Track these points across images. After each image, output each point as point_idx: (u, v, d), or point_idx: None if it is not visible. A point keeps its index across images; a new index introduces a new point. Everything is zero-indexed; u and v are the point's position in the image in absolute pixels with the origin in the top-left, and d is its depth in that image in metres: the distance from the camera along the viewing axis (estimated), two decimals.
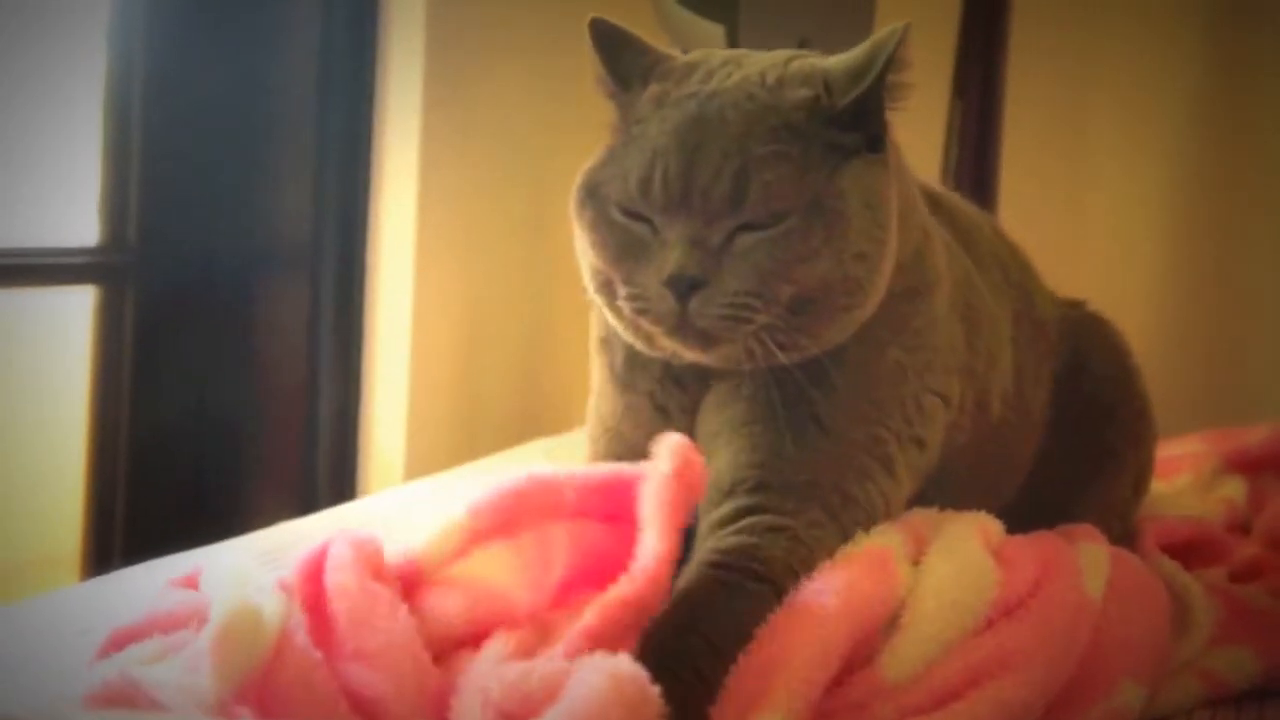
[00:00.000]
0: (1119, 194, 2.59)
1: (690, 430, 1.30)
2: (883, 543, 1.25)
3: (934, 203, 1.46)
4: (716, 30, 1.95)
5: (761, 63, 1.27)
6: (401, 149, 2.10)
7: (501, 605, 1.14)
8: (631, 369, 1.34)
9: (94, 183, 1.90)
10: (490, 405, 2.21)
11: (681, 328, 1.21)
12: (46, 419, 1.89)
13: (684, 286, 1.19)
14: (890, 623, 1.18)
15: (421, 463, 2.10)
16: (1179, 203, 2.56)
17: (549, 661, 1.04)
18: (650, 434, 1.26)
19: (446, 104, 2.11)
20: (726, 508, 1.25)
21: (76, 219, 1.90)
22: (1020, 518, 1.36)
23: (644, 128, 1.24)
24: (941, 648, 1.16)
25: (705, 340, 1.21)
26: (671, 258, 1.19)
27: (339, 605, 1.08)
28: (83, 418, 1.90)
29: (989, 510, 1.34)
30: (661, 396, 1.33)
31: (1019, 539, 1.33)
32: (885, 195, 1.26)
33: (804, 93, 1.23)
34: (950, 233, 1.46)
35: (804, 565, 1.20)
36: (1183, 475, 1.88)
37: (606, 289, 1.26)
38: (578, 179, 1.28)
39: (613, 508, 1.21)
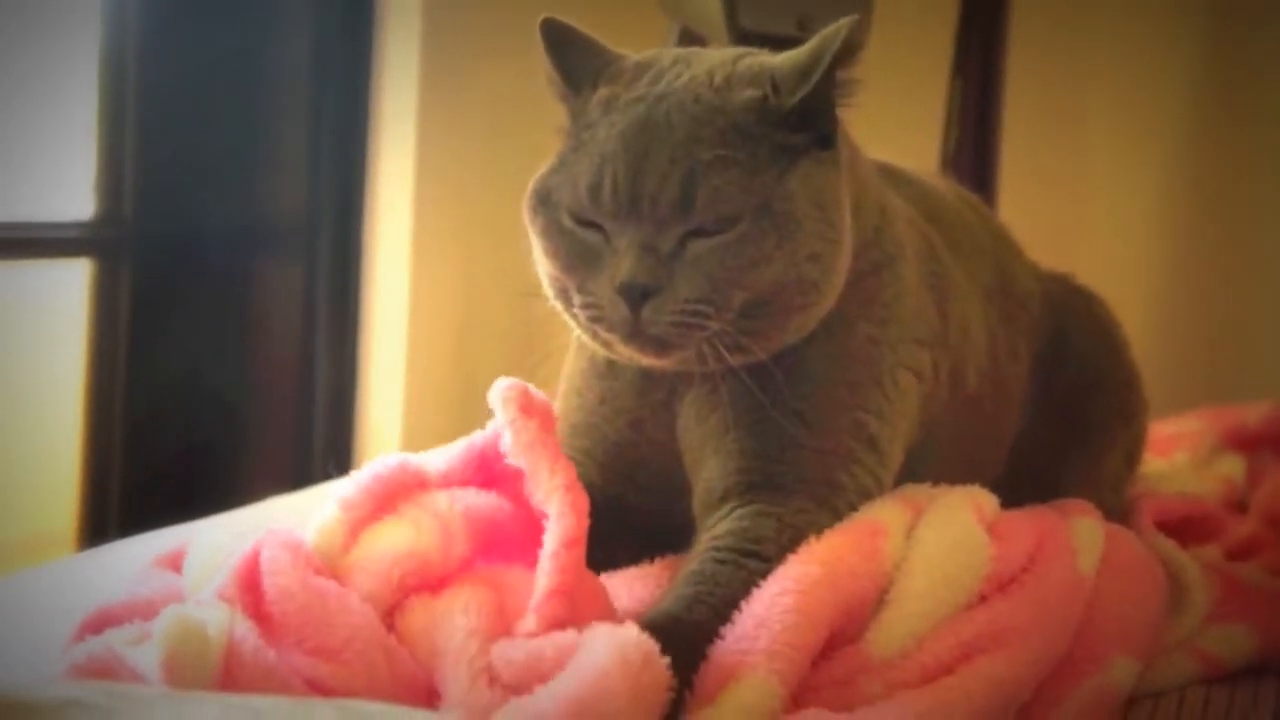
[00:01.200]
0: (1119, 173, 2.58)
1: (671, 426, 1.31)
2: (877, 515, 1.25)
3: (897, 180, 1.45)
4: (715, 7, 1.93)
5: (710, 62, 1.25)
6: (398, 123, 2.09)
7: (419, 562, 1.11)
8: (613, 362, 1.33)
9: (89, 156, 1.89)
10: (486, 381, 2.20)
11: (636, 335, 1.20)
12: (42, 393, 1.88)
13: (636, 294, 1.18)
14: (878, 598, 1.17)
15: (418, 439, 2.08)
16: (1179, 182, 2.56)
17: (561, 635, 1.03)
18: (630, 422, 1.29)
19: (444, 77, 2.10)
20: (720, 511, 1.26)
21: (72, 192, 1.89)
22: (1011, 492, 1.36)
23: (593, 132, 1.23)
24: (931, 624, 1.16)
25: (660, 347, 1.20)
26: (623, 265, 1.18)
27: (286, 608, 1.06)
28: (78, 392, 1.90)
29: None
30: (643, 383, 1.32)
31: (1013, 513, 1.32)
32: (836, 193, 1.24)
33: (751, 93, 1.22)
34: (914, 208, 1.44)
35: (792, 544, 1.20)
36: (1181, 453, 1.88)
37: (564, 296, 1.25)
38: (530, 186, 1.27)
39: (480, 476, 1.20)
